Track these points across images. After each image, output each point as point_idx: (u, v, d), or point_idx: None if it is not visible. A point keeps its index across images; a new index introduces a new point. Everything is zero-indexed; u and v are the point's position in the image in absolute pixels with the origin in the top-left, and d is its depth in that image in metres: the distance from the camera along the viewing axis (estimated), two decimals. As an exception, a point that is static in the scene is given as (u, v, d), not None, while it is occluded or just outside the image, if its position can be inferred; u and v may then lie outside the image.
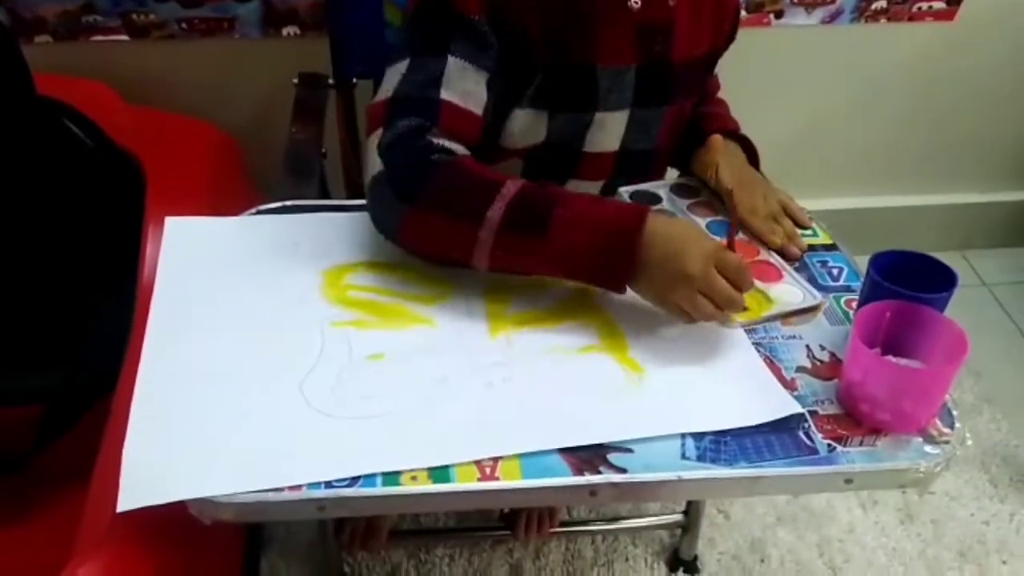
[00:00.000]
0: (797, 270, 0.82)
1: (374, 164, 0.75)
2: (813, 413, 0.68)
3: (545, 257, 0.72)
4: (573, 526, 1.24)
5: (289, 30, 1.38)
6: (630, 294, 0.73)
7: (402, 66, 0.77)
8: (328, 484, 0.59)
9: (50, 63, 1.22)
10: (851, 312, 0.78)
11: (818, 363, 0.72)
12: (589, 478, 0.61)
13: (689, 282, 0.69)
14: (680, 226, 0.74)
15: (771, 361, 0.72)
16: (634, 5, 0.81)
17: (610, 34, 0.82)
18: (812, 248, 0.86)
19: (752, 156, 0.93)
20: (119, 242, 1.11)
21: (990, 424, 1.45)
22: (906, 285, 0.69)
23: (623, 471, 0.62)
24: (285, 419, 0.63)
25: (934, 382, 0.65)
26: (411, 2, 0.83)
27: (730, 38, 0.97)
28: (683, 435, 0.65)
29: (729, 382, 0.70)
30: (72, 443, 1.05)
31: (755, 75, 1.52)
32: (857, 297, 0.78)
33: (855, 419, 0.67)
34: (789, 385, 0.70)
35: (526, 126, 0.85)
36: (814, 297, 0.78)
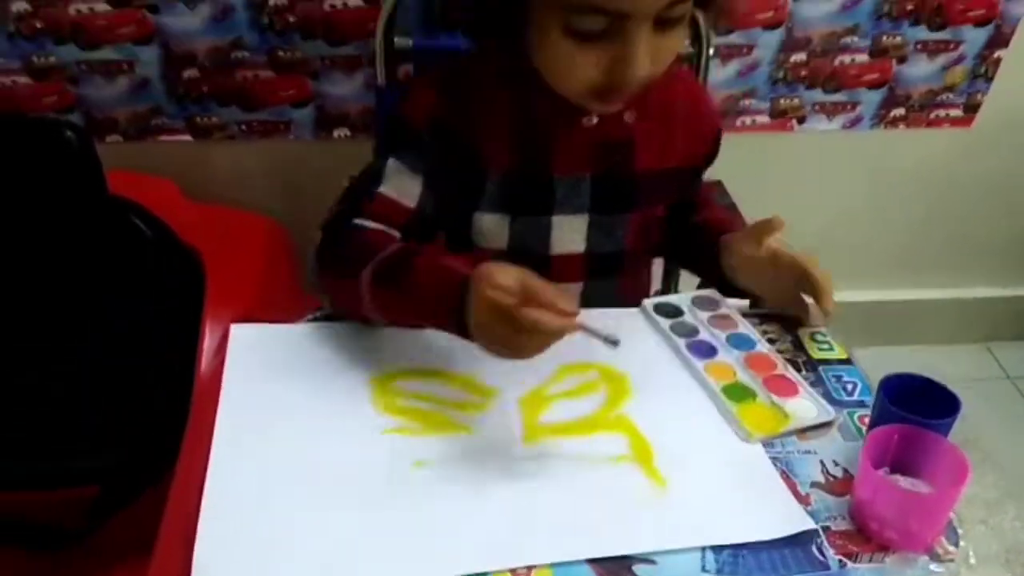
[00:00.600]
0: (812, 384, 0.86)
1: (315, 239, 0.89)
2: (826, 529, 0.72)
3: (402, 306, 0.80)
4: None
5: (340, 132, 1.48)
6: None
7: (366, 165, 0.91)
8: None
9: (120, 161, 1.32)
10: (863, 428, 0.82)
11: (831, 479, 0.77)
12: (616, 588, 0.66)
13: (481, 332, 0.73)
14: (487, 271, 0.72)
15: (787, 475, 0.76)
16: (588, 122, 0.88)
17: (565, 147, 0.89)
18: (827, 362, 0.90)
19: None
20: (178, 331, 1.19)
21: (1015, 521, 1.44)
22: (914, 408, 0.73)
23: (647, 582, 0.66)
24: (339, 524, 0.68)
25: (938, 504, 0.70)
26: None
27: (710, 158, 1.02)
28: (703, 547, 0.69)
29: (748, 496, 0.74)
30: (125, 521, 1.11)
31: (778, 176, 1.60)
32: (870, 413, 0.82)
33: (865, 536, 0.71)
34: (803, 500, 0.74)
35: (489, 229, 0.92)
36: (828, 412, 0.82)
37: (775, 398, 0.83)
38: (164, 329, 1.23)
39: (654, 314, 0.93)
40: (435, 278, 0.78)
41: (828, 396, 0.85)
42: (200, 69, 1.39)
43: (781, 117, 1.56)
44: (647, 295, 1.02)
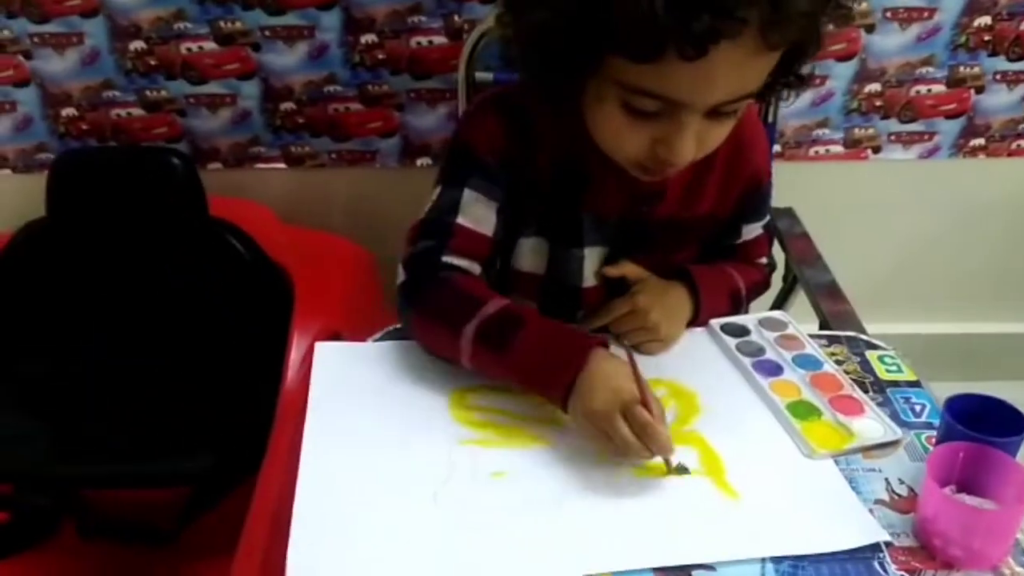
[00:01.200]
0: (880, 405, 0.87)
1: (399, 275, 0.91)
2: (888, 544, 0.72)
3: (505, 369, 0.84)
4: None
5: (423, 161, 1.55)
6: None
7: (433, 195, 0.93)
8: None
9: (220, 186, 1.42)
10: (931, 448, 0.82)
11: (896, 496, 0.77)
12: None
13: (593, 417, 0.77)
14: (608, 365, 0.80)
15: (850, 492, 0.78)
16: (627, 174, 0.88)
17: (599, 187, 0.92)
18: (896, 384, 0.91)
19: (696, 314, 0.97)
20: (267, 344, 1.26)
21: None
22: (980, 428, 0.74)
23: (706, 588, 0.68)
24: (421, 530, 0.72)
25: (1003, 522, 0.70)
26: (447, 145, 0.98)
27: (748, 198, 1.01)
28: (763, 558, 0.71)
29: (821, 508, 0.75)
30: (215, 520, 1.18)
31: (854, 206, 1.59)
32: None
33: (929, 553, 0.72)
34: (865, 516, 0.75)
35: (530, 252, 0.97)
36: (894, 432, 0.83)
37: (840, 416, 0.84)
38: (254, 342, 1.30)
39: (721, 333, 0.96)
40: (546, 354, 0.82)
41: (895, 417, 0.86)
42: (296, 102, 1.49)
43: (855, 147, 1.57)
44: None
